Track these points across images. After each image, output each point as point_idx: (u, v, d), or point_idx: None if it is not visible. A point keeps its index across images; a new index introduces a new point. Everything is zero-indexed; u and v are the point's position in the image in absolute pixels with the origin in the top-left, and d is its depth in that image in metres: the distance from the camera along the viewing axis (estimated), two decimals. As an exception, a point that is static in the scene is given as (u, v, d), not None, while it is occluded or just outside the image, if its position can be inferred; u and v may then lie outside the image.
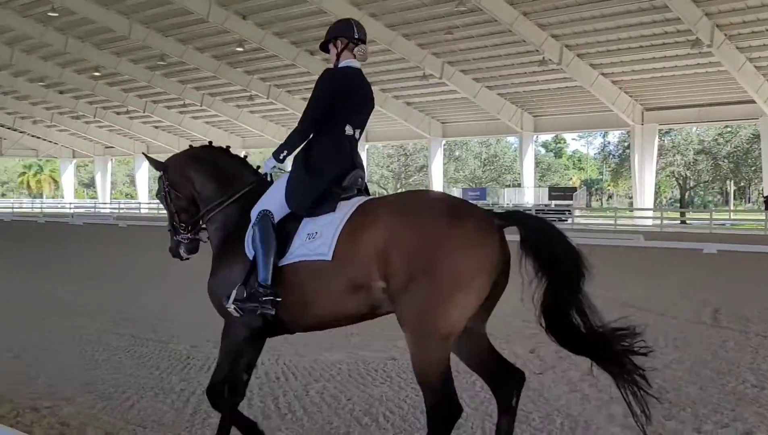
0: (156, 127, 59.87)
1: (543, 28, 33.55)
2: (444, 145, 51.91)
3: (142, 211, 62.32)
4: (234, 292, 4.01)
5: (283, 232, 3.99)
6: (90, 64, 46.70)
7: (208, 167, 4.54)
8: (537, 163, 54.80)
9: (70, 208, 63.64)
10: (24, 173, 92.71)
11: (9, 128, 65.92)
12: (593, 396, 5.64)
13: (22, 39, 44.22)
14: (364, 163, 4.47)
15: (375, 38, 35.74)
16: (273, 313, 3.95)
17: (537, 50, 34.59)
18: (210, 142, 4.90)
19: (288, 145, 4.23)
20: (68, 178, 74.71)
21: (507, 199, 48.58)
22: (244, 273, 4.04)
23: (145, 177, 67.77)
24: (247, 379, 4.29)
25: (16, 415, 5.17)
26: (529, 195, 45.63)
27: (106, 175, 70.57)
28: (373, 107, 4.37)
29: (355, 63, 4.28)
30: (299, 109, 47.28)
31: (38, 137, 68.37)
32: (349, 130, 4.14)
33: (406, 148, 72.03)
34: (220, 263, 4.24)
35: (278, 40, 38.63)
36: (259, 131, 53.89)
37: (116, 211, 62.97)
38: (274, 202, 4.09)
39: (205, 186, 4.49)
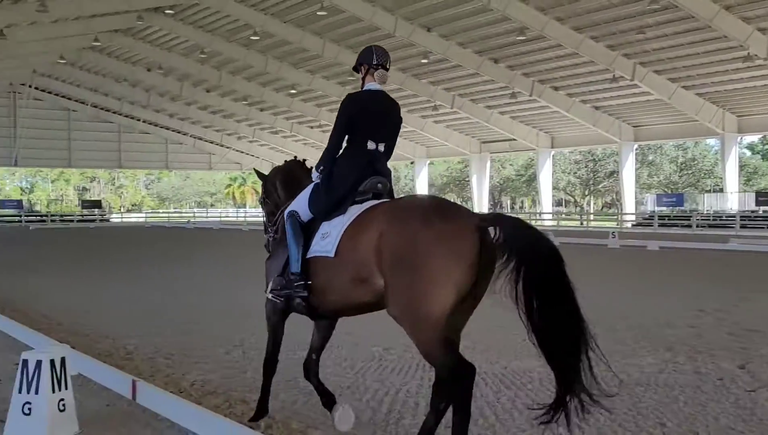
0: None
1: (748, 21, 31.00)
2: (636, 149, 49.50)
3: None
4: (271, 283, 4.86)
5: (308, 231, 4.65)
6: (287, 83, 49.79)
7: (286, 178, 5.41)
8: (741, 167, 50.68)
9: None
10: (230, 185, 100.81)
11: (217, 144, 71.96)
12: (816, 419, 5.11)
13: (229, 62, 48.13)
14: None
15: (561, 42, 34.92)
16: (306, 295, 4.56)
17: (741, 46, 32.02)
18: (295, 157, 5.73)
19: (323, 161, 4.81)
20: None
21: (707, 205, 45.34)
22: (282, 265, 4.79)
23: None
24: (317, 358, 5.09)
25: (228, 407, 5.61)
26: (732, 201, 42.21)
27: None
28: (399, 122, 4.87)
29: (375, 85, 4.79)
30: (483, 117, 47.49)
31: (242, 152, 73.95)
32: (371, 145, 4.66)
33: (595, 154, 69.51)
34: (271, 255, 5.11)
35: (462, 50, 38.89)
36: (443, 140, 54.56)
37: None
38: (302, 205, 4.78)
39: (281, 194, 5.38)
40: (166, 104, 61.59)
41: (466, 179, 70.77)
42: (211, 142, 71.80)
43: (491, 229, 3.92)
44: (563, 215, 62.96)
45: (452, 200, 4.64)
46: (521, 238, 3.86)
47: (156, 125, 68.01)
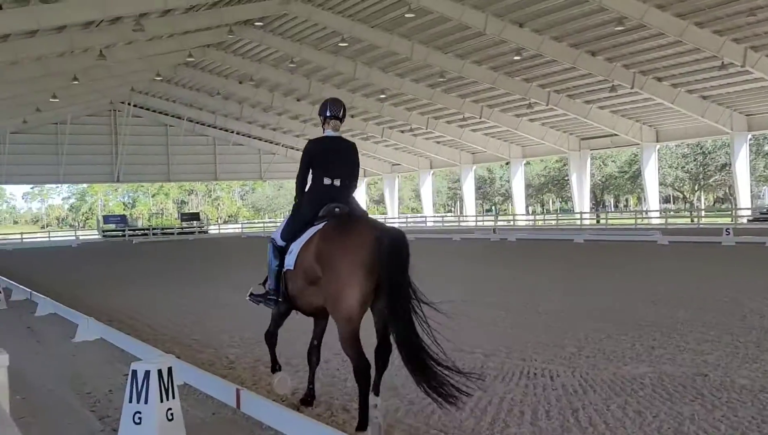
0: (438, 142, 62.52)
1: None
2: (750, 140, 47.14)
3: (428, 224, 65.22)
4: (251, 288, 6.29)
5: (285, 251, 5.82)
6: (376, 88, 50.26)
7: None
8: None
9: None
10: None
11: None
12: None
13: (318, 70, 49.06)
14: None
15: (663, 30, 33.73)
16: (272, 308, 6.00)
17: None
18: None
19: (297, 195, 6.06)
20: (359, 196, 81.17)
21: (833, 196, 42.69)
22: (264, 277, 6.20)
23: (429, 191, 71.01)
24: (317, 344, 6.14)
25: (330, 415, 5.72)
26: None
27: (393, 191, 75.33)
28: (353, 159, 6.03)
29: (331, 132, 6.07)
30: (581, 112, 46.42)
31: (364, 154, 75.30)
32: (327, 180, 5.84)
33: (704, 146, 66.78)
34: None
35: (557, 44, 38.17)
36: (539, 139, 53.68)
37: (404, 224, 66.75)
38: (277, 233, 6.03)
39: None
40: (258, 115, 63.39)
41: (566, 178, 69.39)
42: (305, 152, 73.36)
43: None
44: (672, 213, 60.69)
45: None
46: (388, 252, 4.98)
47: (249, 136, 70.12)
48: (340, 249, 5.10)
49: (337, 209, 5.70)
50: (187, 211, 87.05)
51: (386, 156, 69.94)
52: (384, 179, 76.54)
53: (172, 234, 64.65)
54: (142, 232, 65.77)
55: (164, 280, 18.62)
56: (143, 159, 67.38)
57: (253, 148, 72.12)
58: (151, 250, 38.43)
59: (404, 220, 72.24)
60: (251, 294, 6.22)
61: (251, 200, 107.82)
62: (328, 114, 6.10)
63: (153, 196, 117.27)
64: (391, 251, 4.97)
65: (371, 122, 60.04)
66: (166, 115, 66.87)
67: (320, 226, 5.55)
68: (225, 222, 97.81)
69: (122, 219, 70.07)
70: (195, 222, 70.91)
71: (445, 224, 65.70)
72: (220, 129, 68.80)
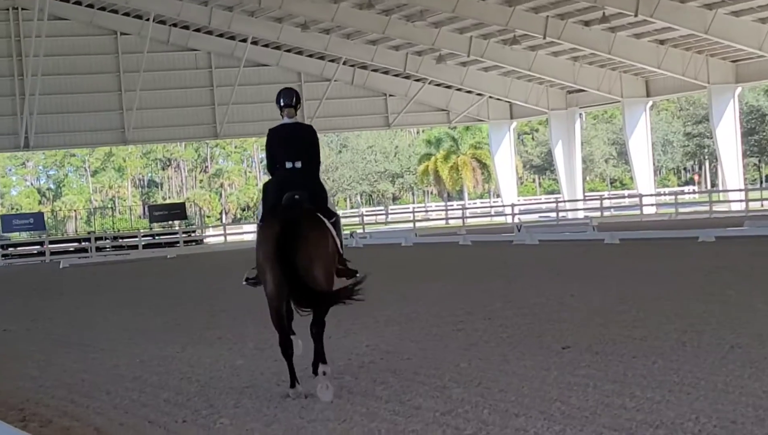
0: (660, 43, 61.58)
1: None
2: None
3: (645, 209, 64.22)
4: (246, 273, 12.24)
5: None
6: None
7: None
8: None
9: (511, 215, 68.46)
10: (427, 156, 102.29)
11: (398, 76, 73.08)
12: None
13: None
14: None
15: None
16: (254, 287, 12.12)
17: None
18: None
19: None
20: (504, 158, 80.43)
21: None
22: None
23: (643, 142, 69.23)
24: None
25: None
26: None
27: (572, 145, 74.19)
28: (311, 140, 12.17)
29: (287, 119, 12.14)
30: None
31: (448, 86, 74.86)
32: (288, 164, 11.92)
33: None
34: None
35: None
36: None
37: (594, 213, 65.95)
38: (258, 214, 12.80)
39: None
40: (292, 5, 63.30)
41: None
42: (386, 73, 73.29)
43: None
44: None
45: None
46: (283, 248, 10.74)
47: (277, 48, 70.54)
48: (258, 243, 11.34)
49: (296, 196, 11.39)
50: (160, 203, 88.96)
51: (554, 74, 69.22)
52: (551, 120, 75.78)
53: (135, 247, 65.85)
54: (77, 245, 67.36)
55: (127, 338, 19.06)
56: (75, 103, 68.29)
57: (288, 70, 72.27)
58: (95, 283, 39.36)
59: (597, 200, 71.49)
60: (247, 278, 11.99)
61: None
62: (282, 103, 12.08)
63: (95, 174, 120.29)
64: (284, 246, 10.58)
65: (521, 7, 59.41)
66: (116, 13, 67.58)
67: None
68: (236, 220, 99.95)
69: (37, 221, 71.59)
70: (177, 222, 72.23)
71: (681, 209, 64.80)
72: (219, 36, 69.33)
